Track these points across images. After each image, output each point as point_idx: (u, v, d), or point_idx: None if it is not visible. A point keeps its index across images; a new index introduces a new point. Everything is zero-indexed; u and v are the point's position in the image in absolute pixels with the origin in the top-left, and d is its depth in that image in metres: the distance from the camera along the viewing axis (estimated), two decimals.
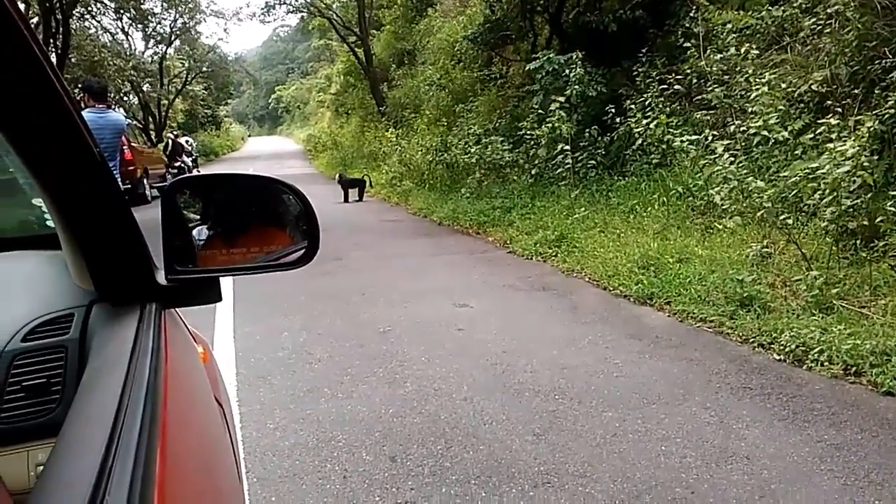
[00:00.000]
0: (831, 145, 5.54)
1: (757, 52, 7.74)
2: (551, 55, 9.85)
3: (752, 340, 4.28)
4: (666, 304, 5.13)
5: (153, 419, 0.77)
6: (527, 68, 10.04)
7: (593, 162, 9.01)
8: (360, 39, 24.77)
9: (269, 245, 1.32)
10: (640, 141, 8.20)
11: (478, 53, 15.60)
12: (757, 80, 6.91)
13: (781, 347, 4.10)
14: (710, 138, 7.04)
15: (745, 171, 5.22)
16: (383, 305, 5.36)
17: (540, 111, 9.21)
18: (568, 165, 8.59)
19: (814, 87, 7.00)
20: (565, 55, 9.68)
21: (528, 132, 9.51)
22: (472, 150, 10.73)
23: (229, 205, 1.35)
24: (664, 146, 7.03)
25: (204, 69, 37.09)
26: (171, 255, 1.18)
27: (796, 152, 6.10)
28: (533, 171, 9.65)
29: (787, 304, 4.74)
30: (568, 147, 8.61)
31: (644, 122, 7.00)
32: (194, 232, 1.29)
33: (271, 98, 71.81)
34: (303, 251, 1.29)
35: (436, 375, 3.77)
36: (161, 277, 1.20)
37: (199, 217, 1.34)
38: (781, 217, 5.04)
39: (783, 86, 6.30)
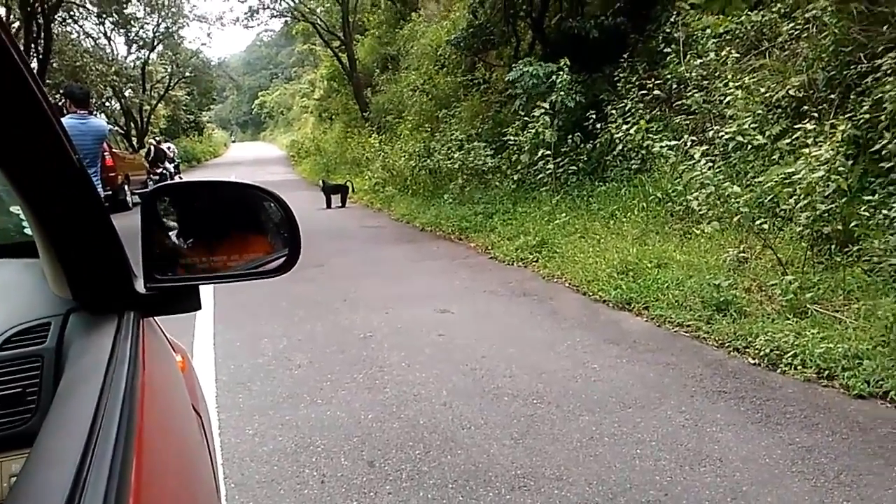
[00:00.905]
0: (807, 150, 5.65)
1: (737, 56, 7.87)
2: (530, 65, 9.88)
3: (727, 345, 4.34)
4: (644, 310, 5.19)
5: (129, 429, 0.76)
6: (506, 79, 10.10)
7: (574, 168, 9.08)
8: (344, 44, 24.80)
9: (249, 253, 1.30)
10: (619, 146, 8.30)
11: (461, 58, 15.66)
12: (734, 84, 7.04)
13: (756, 351, 4.16)
14: (689, 143, 7.17)
15: (721, 177, 5.29)
16: (365, 311, 5.37)
17: (526, 118, 9.25)
18: (550, 171, 8.65)
19: (791, 91, 7.10)
20: (546, 63, 9.75)
21: (512, 138, 9.56)
22: (455, 156, 10.76)
23: (210, 212, 1.33)
24: (644, 152, 7.10)
25: (187, 74, 36.91)
26: (151, 263, 1.18)
27: (773, 157, 6.21)
28: (515, 177, 9.72)
29: (763, 308, 4.80)
30: (550, 153, 8.66)
31: (624, 127, 7.05)
32: (174, 240, 1.28)
33: (254, 103, 71.51)
34: (284, 259, 1.29)
35: (415, 381, 3.80)
36: (140, 286, 1.19)
37: (178, 224, 1.32)
38: (758, 222, 5.12)
39: (761, 90, 6.38)
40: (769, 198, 5.45)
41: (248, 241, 1.33)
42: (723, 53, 7.81)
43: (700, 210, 5.27)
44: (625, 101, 8.56)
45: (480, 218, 9.19)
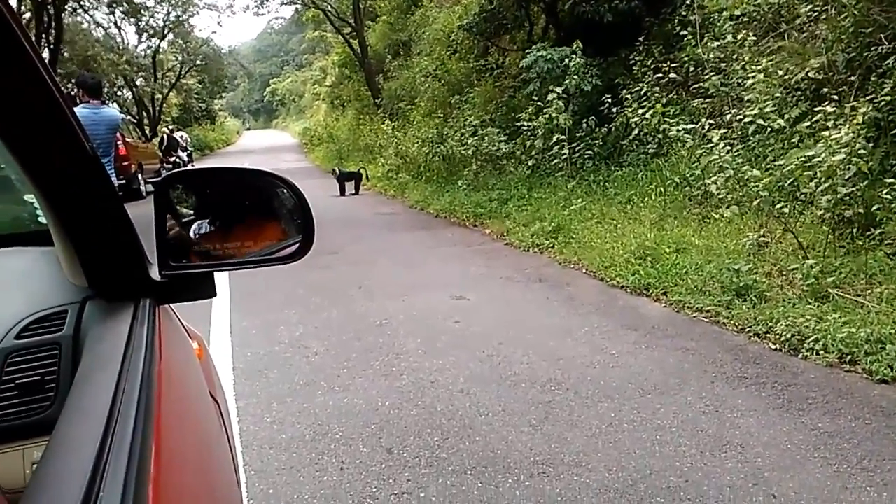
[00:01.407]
0: (827, 133, 5.56)
1: (754, 38, 7.75)
2: (544, 51, 9.79)
3: (748, 330, 4.29)
4: (662, 295, 5.15)
5: (147, 415, 0.77)
6: (521, 64, 10.01)
7: (590, 152, 9.00)
8: (355, 31, 24.66)
9: (263, 239, 1.30)
10: (636, 131, 8.21)
11: (474, 43, 15.53)
12: (753, 67, 6.93)
13: (777, 337, 4.12)
14: (706, 127, 7.08)
15: (740, 160, 5.21)
16: (380, 298, 5.37)
17: (539, 103, 9.17)
18: (565, 156, 8.57)
19: (810, 74, 6.99)
20: (559, 48, 9.66)
21: (526, 123, 9.48)
22: (469, 142, 10.69)
23: (223, 199, 1.33)
24: (661, 136, 7.02)
25: (198, 63, 36.93)
26: (165, 251, 1.18)
27: (792, 140, 6.11)
28: (530, 163, 9.65)
29: (784, 293, 4.75)
30: (565, 137, 8.58)
31: (640, 111, 6.97)
32: (188, 227, 1.27)
33: (266, 91, 71.49)
34: (297, 245, 1.28)
35: (432, 368, 3.79)
36: (155, 273, 1.19)
37: (192, 212, 1.32)
38: (777, 206, 5.04)
39: (780, 73, 6.27)
40: (789, 181, 5.37)
41: (261, 227, 1.33)
42: (740, 36, 7.71)
43: (719, 194, 5.20)
44: (641, 84, 8.44)
45: (495, 204, 9.14)
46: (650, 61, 9.42)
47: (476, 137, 10.61)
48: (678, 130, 6.76)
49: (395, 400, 3.38)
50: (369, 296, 5.48)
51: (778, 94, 6.19)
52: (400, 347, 4.15)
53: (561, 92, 8.96)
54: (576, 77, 9.09)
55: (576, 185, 8.50)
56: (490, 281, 5.96)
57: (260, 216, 1.35)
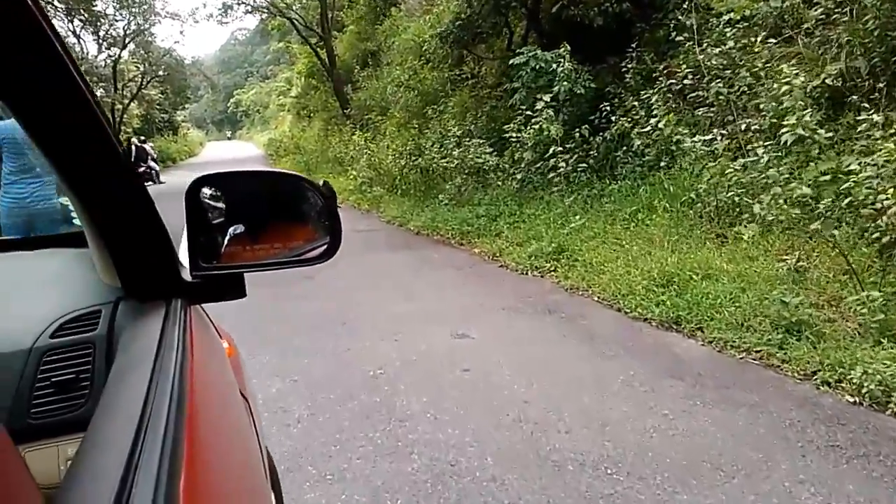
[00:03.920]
0: (864, 143, 4.98)
1: (760, 44, 7.22)
2: (536, 51, 9.15)
3: (814, 377, 3.61)
4: (697, 331, 4.45)
5: (179, 413, 0.76)
6: (510, 63, 9.30)
7: (584, 165, 8.31)
8: (323, 40, 23.87)
9: (291, 241, 1.32)
10: (637, 142, 7.57)
11: (448, 52, 14.88)
12: (773, 73, 6.36)
13: (854, 387, 3.44)
14: (719, 138, 6.47)
15: (786, 176, 4.53)
16: (369, 338, 4.57)
17: (528, 112, 8.48)
18: (561, 170, 7.86)
19: (827, 81, 6.43)
20: (549, 51, 9.01)
21: (515, 135, 8.77)
22: (454, 154, 9.94)
23: (252, 201, 1.34)
24: (673, 147, 6.37)
25: (160, 73, 35.91)
26: (196, 252, 1.19)
27: (812, 152, 5.48)
28: (518, 176, 8.92)
29: (841, 329, 4.09)
30: (561, 149, 7.89)
31: (652, 121, 6.31)
32: (219, 229, 1.27)
33: (230, 102, 70.14)
34: (325, 247, 1.28)
35: (448, 441, 2.99)
36: (186, 274, 1.20)
37: (223, 214, 1.30)
38: (814, 225, 4.36)
39: (799, 80, 5.64)
40: (827, 199, 4.73)
41: (290, 229, 1.34)
42: (745, 41, 7.16)
43: (765, 214, 4.50)
44: (643, 92, 7.83)
45: (483, 221, 8.39)
46: (643, 68, 8.86)
47: (461, 149, 9.85)
48: (693, 142, 6.15)
49: (407, 496, 2.58)
50: (356, 334, 4.67)
51: (800, 103, 5.56)
52: (402, 410, 3.35)
53: (550, 100, 8.29)
54: (566, 82, 8.43)
55: (573, 201, 7.77)
56: (491, 313, 5.20)
57: (288, 218, 1.37)
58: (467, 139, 10.25)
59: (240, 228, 1.29)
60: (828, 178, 4.55)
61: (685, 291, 4.94)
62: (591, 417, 3.19)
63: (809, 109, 4.95)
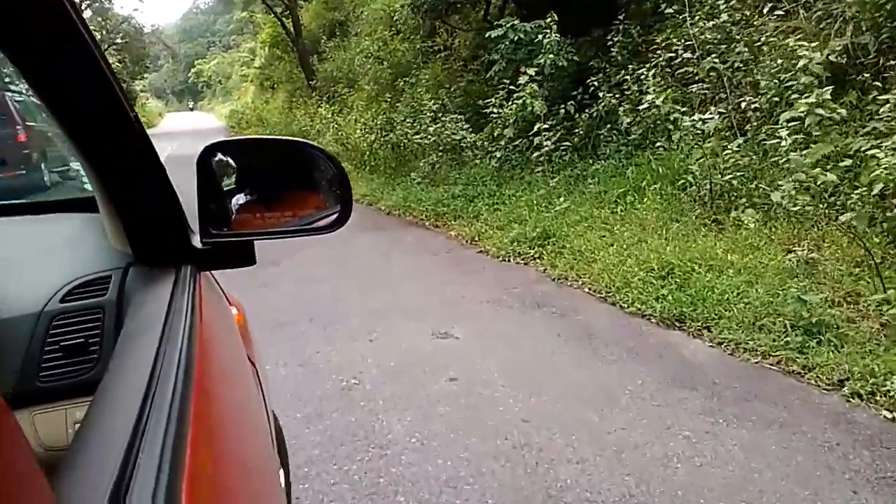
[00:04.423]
0: (877, 125, 4.61)
1: (758, 17, 6.82)
2: (515, 22, 8.60)
3: (843, 388, 3.21)
4: (704, 330, 4.04)
5: (187, 378, 0.75)
6: (488, 35, 8.73)
7: (568, 144, 7.84)
8: (288, 9, 22.92)
9: (302, 209, 1.29)
10: (626, 119, 7.12)
11: (420, 22, 14.25)
12: (773, 48, 5.96)
13: (891, 401, 3.05)
14: (717, 117, 6.04)
15: (809, 161, 4.09)
16: (340, 338, 4.06)
17: (511, 86, 7.95)
18: (546, 148, 7.37)
19: (831, 57, 6.03)
20: (530, 22, 8.48)
21: (496, 110, 8.25)
22: (429, 130, 9.37)
23: (263, 169, 1.32)
24: (670, 126, 5.92)
25: (117, 41, 34.65)
26: (207, 219, 1.17)
27: (833, 134, 5.09)
28: (498, 154, 8.40)
29: (863, 330, 3.70)
30: (546, 126, 7.39)
31: (649, 97, 5.84)
32: (230, 195, 1.26)
33: (191, 72, 68.05)
34: (336, 215, 1.26)
35: (439, 476, 2.51)
36: (196, 241, 1.19)
37: (234, 181, 1.29)
38: (848, 216, 3.96)
39: (817, 55, 5.22)
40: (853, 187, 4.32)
41: (300, 197, 1.32)
42: (740, 14, 6.75)
43: (787, 204, 4.06)
44: (631, 66, 7.39)
45: (460, 201, 7.88)
46: (629, 42, 8.40)
47: (438, 125, 9.28)
48: (692, 120, 5.71)
49: None
50: (326, 333, 4.16)
51: (814, 80, 5.15)
52: (383, 434, 2.85)
53: (533, 74, 7.79)
54: (551, 55, 7.92)
55: (559, 181, 7.29)
56: (475, 306, 4.73)
57: (299, 187, 1.34)
58: (443, 114, 9.68)
59: (251, 196, 1.28)
60: (847, 162, 4.13)
61: (687, 285, 4.53)
62: (604, 442, 2.74)
63: (828, 87, 4.51)
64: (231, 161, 1.30)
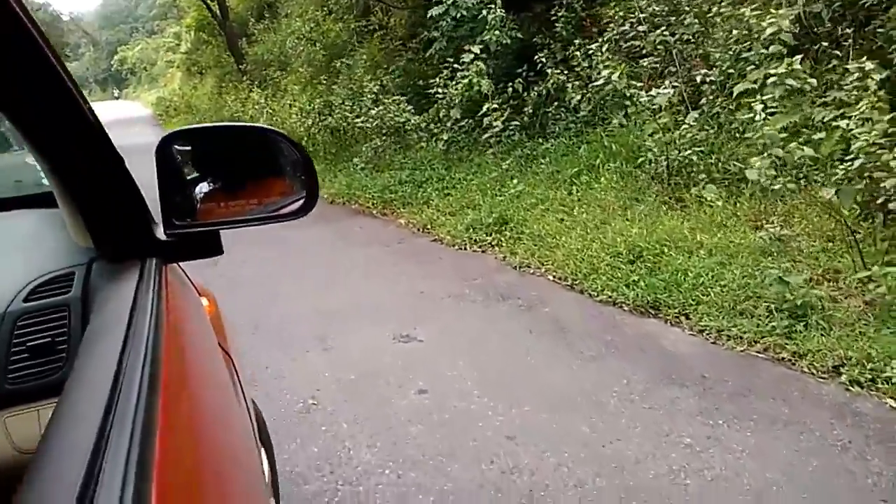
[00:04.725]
0: (837, 94, 4.45)
1: None
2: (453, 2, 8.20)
3: (840, 376, 3.01)
4: (681, 317, 3.81)
5: (153, 376, 0.73)
6: (429, 14, 8.32)
7: (516, 123, 7.53)
8: None
9: (267, 196, 1.26)
10: (576, 97, 6.86)
11: (353, 2, 13.73)
12: (723, 19, 5.80)
13: (894, 388, 2.86)
14: (671, 90, 5.82)
15: (775, 133, 3.88)
16: (292, 348, 3.66)
17: (455, 65, 7.59)
18: (496, 129, 7.05)
19: (783, 27, 5.88)
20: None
21: (440, 90, 7.87)
22: (371, 113, 8.91)
23: (225, 156, 1.27)
24: (627, 102, 5.68)
25: None
26: (169, 210, 1.14)
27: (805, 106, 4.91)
28: (444, 137, 8.04)
29: (850, 310, 3.52)
30: (496, 106, 7.06)
31: (605, 72, 5.56)
32: (192, 185, 1.22)
33: (114, 60, 65.14)
34: (302, 201, 1.22)
35: None
36: (160, 233, 1.16)
37: (195, 170, 1.26)
38: (829, 191, 3.76)
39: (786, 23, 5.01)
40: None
41: (265, 184, 1.29)
42: None
43: (763, 181, 3.84)
44: (577, 42, 7.15)
45: (408, 187, 7.49)
46: (572, 16, 8.13)
47: (380, 108, 8.83)
48: (650, 95, 5.47)
49: None
50: (274, 343, 3.76)
51: (774, 49, 4.96)
52: (352, 466, 2.48)
53: (478, 52, 7.45)
54: (496, 32, 7.58)
55: (511, 163, 6.98)
56: (436, 302, 4.39)
57: (263, 173, 1.31)
58: (383, 96, 9.25)
59: (214, 185, 1.24)
60: (822, 135, 3.94)
61: (658, 268, 4.30)
62: (600, 458, 2.45)
63: (797, 56, 4.31)
64: (192, 149, 1.27)
